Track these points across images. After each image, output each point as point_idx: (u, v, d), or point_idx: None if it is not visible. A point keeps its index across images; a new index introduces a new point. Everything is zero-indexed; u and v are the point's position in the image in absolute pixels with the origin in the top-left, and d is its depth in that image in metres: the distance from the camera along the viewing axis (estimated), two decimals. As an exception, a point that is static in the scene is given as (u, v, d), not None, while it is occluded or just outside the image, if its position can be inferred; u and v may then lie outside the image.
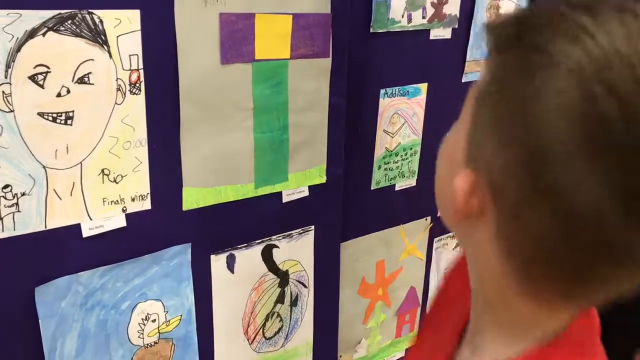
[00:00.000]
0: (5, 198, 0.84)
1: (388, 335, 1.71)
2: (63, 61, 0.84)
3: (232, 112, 1.04)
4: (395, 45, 1.32)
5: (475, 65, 1.53)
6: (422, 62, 1.40)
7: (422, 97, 1.51)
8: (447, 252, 1.77)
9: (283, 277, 1.24)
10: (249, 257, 1.17)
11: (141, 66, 0.92)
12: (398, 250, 1.64)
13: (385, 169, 1.50)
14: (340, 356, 1.56)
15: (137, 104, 0.93)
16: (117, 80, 0.90)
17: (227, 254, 1.13)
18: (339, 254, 1.35)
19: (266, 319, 1.24)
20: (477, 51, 1.51)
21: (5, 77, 0.80)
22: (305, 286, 1.29)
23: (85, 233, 0.93)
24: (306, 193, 1.22)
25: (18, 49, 0.80)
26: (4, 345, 0.91)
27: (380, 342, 1.70)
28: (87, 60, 0.86)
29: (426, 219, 1.67)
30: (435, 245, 1.73)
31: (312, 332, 1.34)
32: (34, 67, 0.82)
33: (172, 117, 0.98)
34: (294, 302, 1.28)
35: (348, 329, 1.57)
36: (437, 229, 1.68)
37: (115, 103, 0.91)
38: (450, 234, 1.73)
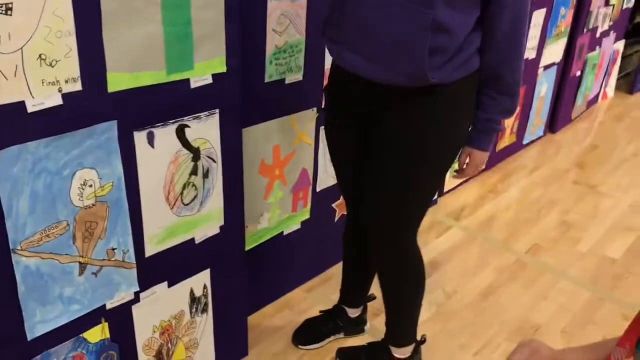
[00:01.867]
0: (-41, 78, 1.01)
1: (285, 210, 2.01)
2: (0, -41, 1.00)
3: (144, 6, 1.23)
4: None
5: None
6: (302, -32, 1.63)
7: (304, 1, 1.75)
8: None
9: (195, 153, 1.48)
10: (166, 134, 1.39)
11: (66, -36, 1.09)
12: (291, 137, 1.91)
13: (276, 64, 1.75)
14: (247, 226, 1.84)
15: (64, -2, 1.11)
16: (47, -24, 1.07)
17: (147, 131, 1.35)
18: (240, 134, 1.59)
19: (183, 188, 1.48)
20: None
21: (-46, -28, 0.96)
22: (214, 161, 1.53)
23: (30, 109, 1.11)
24: (210, 80, 1.44)
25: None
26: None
27: (280, 216, 2.00)
28: (20, -41, 1.03)
29: (313, 110, 1.95)
30: (321, 133, 2.02)
31: (222, 200, 1.60)
32: (-23, -36, 0.98)
33: (94, 11, 1.16)
34: (205, 174, 1.53)
35: (252, 204, 1.85)
36: (322, 119, 1.96)
37: (47, -4, 1.08)
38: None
